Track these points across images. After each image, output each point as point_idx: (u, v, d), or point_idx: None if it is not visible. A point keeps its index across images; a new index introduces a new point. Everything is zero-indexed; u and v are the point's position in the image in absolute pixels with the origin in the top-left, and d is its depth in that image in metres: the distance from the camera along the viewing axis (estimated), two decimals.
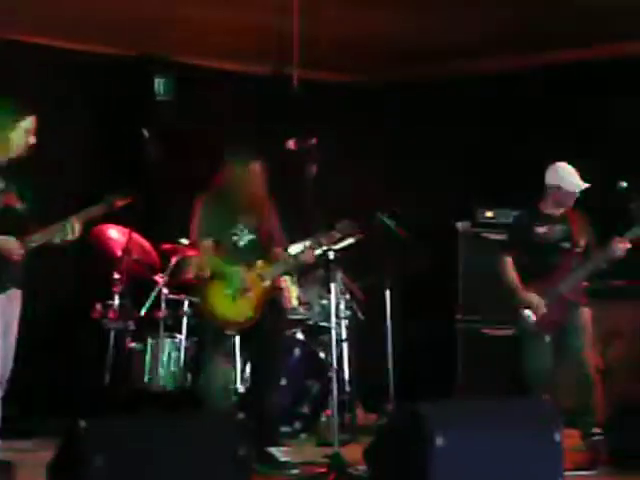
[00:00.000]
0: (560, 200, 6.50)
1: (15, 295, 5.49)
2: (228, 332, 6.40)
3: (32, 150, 5.47)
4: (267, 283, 6.26)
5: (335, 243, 6.29)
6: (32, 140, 5.45)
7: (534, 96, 8.20)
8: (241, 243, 6.34)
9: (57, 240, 5.45)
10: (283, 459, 6.03)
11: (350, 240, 6.87)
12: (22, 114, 5.44)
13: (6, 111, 5.44)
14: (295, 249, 6.50)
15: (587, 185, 6.43)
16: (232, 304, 6.22)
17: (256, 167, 6.30)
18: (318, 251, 6.25)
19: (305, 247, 6.30)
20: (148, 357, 7.20)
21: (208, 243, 6.31)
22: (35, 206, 5.49)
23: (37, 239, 5.41)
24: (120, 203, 5.61)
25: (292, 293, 7.31)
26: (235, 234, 6.32)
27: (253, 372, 6.60)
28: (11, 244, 5.33)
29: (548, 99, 8.15)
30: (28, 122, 5.44)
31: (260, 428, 5.92)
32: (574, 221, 6.51)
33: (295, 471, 5.93)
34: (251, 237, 6.35)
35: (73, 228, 5.41)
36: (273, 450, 6.05)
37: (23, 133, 5.43)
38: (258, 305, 6.23)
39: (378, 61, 8.61)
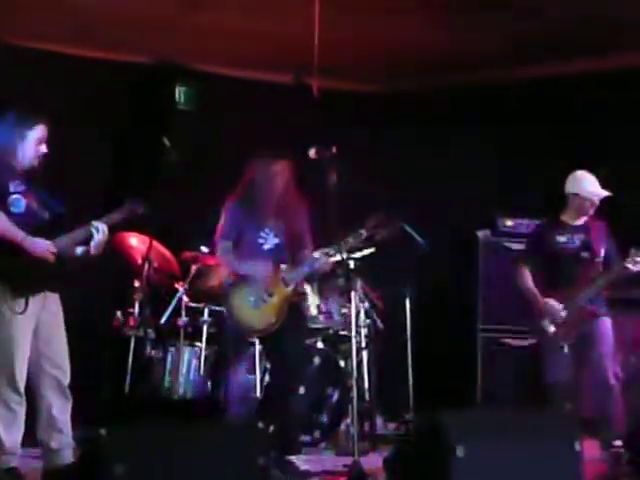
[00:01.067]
0: (580, 209, 6.49)
1: (53, 300, 5.50)
2: (251, 338, 6.41)
3: (44, 159, 5.49)
4: (290, 288, 6.24)
5: (362, 242, 6.29)
6: (43, 149, 5.47)
7: (557, 105, 8.18)
8: (266, 247, 6.31)
9: (80, 249, 5.48)
10: (303, 468, 6.03)
11: (370, 249, 6.83)
12: (31, 124, 5.47)
13: (16, 123, 5.46)
14: (316, 255, 6.41)
15: (607, 193, 6.41)
16: (255, 310, 6.21)
17: (283, 167, 6.28)
18: (337, 257, 6.21)
19: (323, 254, 6.26)
20: (168, 365, 7.21)
21: (228, 244, 6.31)
22: (58, 213, 5.53)
23: (63, 242, 5.44)
24: (140, 210, 5.63)
25: (312, 302, 7.30)
26: (261, 237, 6.30)
27: (274, 377, 6.57)
28: (44, 245, 5.36)
29: (571, 108, 8.12)
30: (37, 131, 5.46)
31: (280, 437, 5.92)
32: (594, 230, 6.49)
33: (315, 479, 5.92)
34: (277, 241, 6.32)
35: (98, 228, 5.44)
36: (293, 458, 6.04)
37: (33, 143, 5.45)
38: (281, 310, 6.21)
39: (397, 70, 8.60)
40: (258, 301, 6.22)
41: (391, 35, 7.57)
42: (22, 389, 5.36)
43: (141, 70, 8.15)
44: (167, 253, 7.38)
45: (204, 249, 7.39)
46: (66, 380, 5.52)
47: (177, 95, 8.10)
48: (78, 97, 7.67)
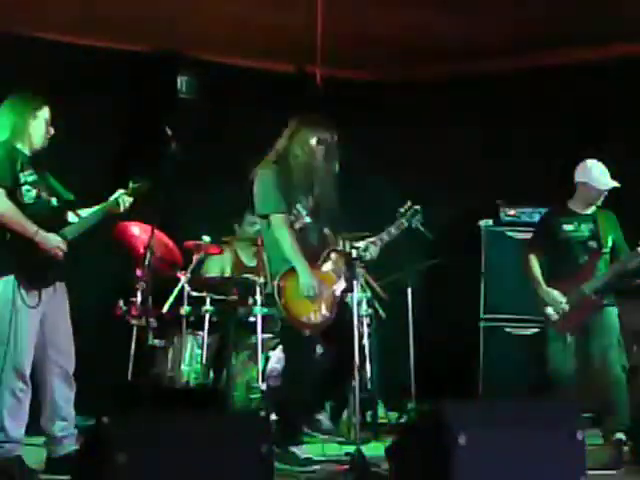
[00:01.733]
0: (588, 198, 6.46)
1: (59, 288, 5.53)
2: (306, 334, 5.89)
3: (51, 144, 5.51)
4: (342, 279, 5.98)
5: (403, 231, 6.06)
6: (51, 131, 5.50)
7: (561, 93, 8.17)
8: (297, 226, 5.91)
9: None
10: (304, 456, 6.02)
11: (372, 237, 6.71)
12: (40, 104, 5.48)
13: (25, 102, 5.48)
14: (361, 245, 6.03)
15: (616, 184, 6.39)
16: (311, 304, 5.85)
17: (322, 138, 5.92)
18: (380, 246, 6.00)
19: (369, 243, 6.00)
20: (170, 354, 7.22)
21: (281, 217, 5.82)
22: (67, 200, 5.54)
23: (72, 232, 5.46)
24: (143, 188, 5.66)
25: None
26: (293, 214, 5.88)
27: (334, 373, 6.14)
28: (55, 241, 5.37)
29: (575, 96, 8.11)
30: (46, 112, 5.49)
31: (283, 426, 5.91)
32: (602, 220, 6.46)
33: (316, 467, 5.92)
34: (308, 220, 5.96)
35: (121, 200, 5.55)
36: (294, 449, 6.03)
37: (43, 122, 5.46)
38: (334, 303, 5.95)
39: (402, 59, 8.59)
40: (314, 295, 5.85)
41: (394, 23, 7.56)
42: (28, 378, 5.37)
43: (143, 59, 8.14)
44: (169, 242, 7.37)
45: (206, 238, 7.39)
46: (71, 368, 5.55)
47: (179, 84, 8.09)
48: (80, 86, 7.66)
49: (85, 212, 5.66)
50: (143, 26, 7.64)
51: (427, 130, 8.69)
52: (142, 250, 7.09)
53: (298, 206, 5.91)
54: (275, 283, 5.86)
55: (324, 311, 5.92)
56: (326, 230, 6.08)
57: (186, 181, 7.40)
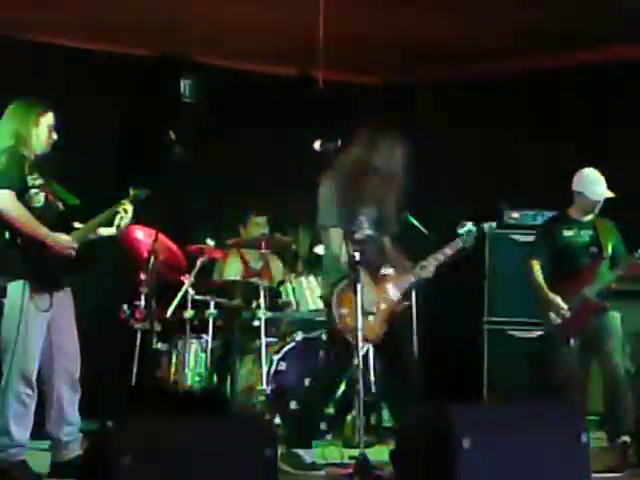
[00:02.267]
0: (584, 206, 6.50)
1: (66, 293, 5.55)
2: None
3: (53, 149, 5.53)
4: (397, 296, 5.94)
5: (458, 252, 6.02)
6: (54, 136, 5.51)
7: (564, 97, 8.17)
8: (357, 237, 5.72)
9: (111, 231, 5.53)
10: (310, 460, 6.02)
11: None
12: (43, 110, 5.49)
13: (29, 107, 5.49)
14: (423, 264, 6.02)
15: (610, 195, 6.41)
16: (365, 318, 5.66)
17: (396, 146, 5.88)
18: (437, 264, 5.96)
19: (427, 262, 5.97)
20: (174, 358, 7.22)
21: (338, 231, 5.71)
22: (72, 204, 5.56)
23: (82, 234, 5.47)
24: (143, 195, 5.67)
25: (316, 294, 7.30)
26: (354, 224, 5.74)
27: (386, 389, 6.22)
28: (66, 241, 5.38)
29: (579, 100, 8.11)
30: (49, 118, 5.50)
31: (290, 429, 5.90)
32: (602, 227, 6.49)
33: (322, 472, 5.93)
34: (368, 232, 5.83)
35: (125, 209, 5.51)
36: (300, 451, 6.03)
37: (46, 128, 5.48)
38: (388, 319, 5.88)
39: (404, 62, 8.60)
40: (369, 309, 5.74)
41: (397, 26, 7.56)
42: (34, 382, 5.38)
43: (146, 63, 8.16)
44: (173, 246, 7.38)
45: (210, 242, 7.40)
46: (77, 372, 5.55)
47: (182, 88, 8.11)
48: (83, 90, 7.67)
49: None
50: (146, 30, 7.65)
51: (429, 132, 8.68)
52: (146, 254, 7.10)
53: (361, 217, 5.80)
54: (334, 294, 5.76)
55: (378, 326, 5.85)
56: (387, 242, 6.04)
57: (189, 184, 7.42)
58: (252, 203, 7.88)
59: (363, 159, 5.82)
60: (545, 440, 4.64)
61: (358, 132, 5.91)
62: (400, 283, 5.98)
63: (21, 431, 5.35)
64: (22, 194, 5.33)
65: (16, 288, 5.32)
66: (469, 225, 6.16)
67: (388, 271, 5.94)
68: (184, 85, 8.15)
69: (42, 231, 5.32)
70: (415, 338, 7.50)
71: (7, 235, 5.30)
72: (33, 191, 5.37)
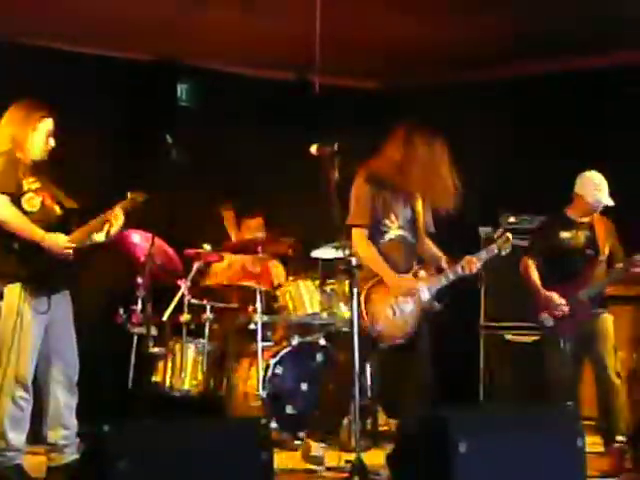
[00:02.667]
0: (585, 209, 6.51)
1: (64, 296, 5.56)
2: (384, 346, 5.92)
3: (52, 153, 5.53)
4: (428, 297, 5.94)
5: (492, 257, 6.03)
6: (52, 142, 5.51)
7: (562, 101, 8.18)
8: (387, 237, 5.84)
9: (100, 237, 5.52)
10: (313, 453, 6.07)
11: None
12: (42, 116, 5.49)
13: (28, 112, 5.49)
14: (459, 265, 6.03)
15: (610, 202, 6.42)
16: (395, 318, 5.82)
17: (441, 145, 5.87)
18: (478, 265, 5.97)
19: (463, 265, 5.97)
20: (170, 362, 7.22)
21: (364, 232, 5.74)
22: (70, 208, 5.56)
23: (79, 238, 5.46)
24: (140, 199, 5.67)
25: (315, 298, 7.30)
26: (384, 224, 5.81)
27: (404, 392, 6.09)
28: (62, 242, 5.38)
29: (577, 104, 8.12)
30: (48, 124, 5.50)
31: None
32: (599, 229, 6.50)
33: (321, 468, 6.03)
34: (400, 232, 5.89)
35: (116, 215, 5.49)
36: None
37: (44, 135, 5.47)
38: (417, 320, 5.91)
39: (401, 66, 8.61)
40: (398, 308, 5.85)
41: (395, 30, 7.56)
42: (30, 386, 5.37)
43: (143, 68, 8.16)
44: (170, 250, 7.38)
45: (207, 246, 7.40)
46: (75, 377, 5.56)
47: (179, 92, 8.11)
48: (79, 95, 7.67)
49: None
50: (143, 35, 7.65)
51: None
52: (142, 258, 7.11)
53: (392, 217, 5.82)
54: (364, 290, 5.71)
55: (407, 326, 5.88)
56: (425, 242, 6.05)
57: (186, 188, 7.41)
58: (249, 207, 7.89)
59: (399, 159, 5.79)
60: (541, 444, 4.64)
61: (394, 131, 5.90)
62: (431, 284, 5.97)
63: (17, 435, 5.35)
64: (18, 198, 5.34)
65: (13, 291, 5.32)
66: (508, 234, 6.12)
67: (420, 272, 5.93)
68: (181, 89, 8.15)
69: (38, 234, 5.32)
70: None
71: (3, 239, 5.30)
72: (29, 195, 5.37)
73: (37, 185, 5.42)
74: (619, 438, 6.18)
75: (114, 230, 5.55)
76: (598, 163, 6.56)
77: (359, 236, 5.76)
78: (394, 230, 5.84)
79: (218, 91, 8.21)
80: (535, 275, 6.49)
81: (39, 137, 5.48)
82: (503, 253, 6.08)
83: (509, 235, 6.09)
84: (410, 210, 5.92)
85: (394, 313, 5.81)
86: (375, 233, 5.79)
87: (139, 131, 8.04)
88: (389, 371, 6.58)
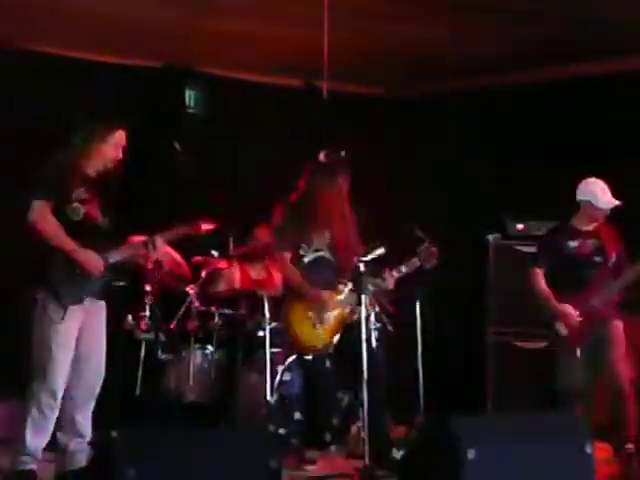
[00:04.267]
0: (591, 215, 6.50)
1: (96, 308, 5.56)
2: (305, 355, 6.46)
3: (119, 165, 5.59)
4: (348, 309, 6.29)
5: (414, 270, 6.38)
6: (120, 155, 5.55)
7: (567, 109, 8.17)
8: (306, 260, 6.34)
9: (136, 258, 5.58)
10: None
11: (380, 251, 6.82)
12: (112, 128, 5.55)
13: (99, 125, 5.56)
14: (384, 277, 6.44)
15: (617, 203, 6.41)
16: (313, 328, 6.29)
17: (344, 180, 6.25)
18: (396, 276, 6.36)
19: (388, 276, 6.37)
20: (179, 368, 7.22)
21: (287, 255, 6.31)
22: (114, 221, 5.60)
23: (115, 255, 5.49)
24: (206, 227, 5.72)
25: None
26: (302, 248, 6.32)
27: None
28: (94, 259, 5.40)
29: (581, 112, 8.11)
30: (117, 136, 5.54)
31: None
32: (606, 236, 6.50)
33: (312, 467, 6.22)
34: (318, 255, 6.35)
35: (155, 245, 5.50)
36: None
37: (112, 146, 5.51)
38: (337, 330, 6.31)
39: (408, 74, 8.62)
40: (317, 319, 6.28)
41: (402, 37, 7.57)
42: (58, 395, 5.38)
43: (151, 74, 8.17)
44: (178, 257, 7.38)
45: (214, 253, 7.40)
46: (97, 388, 5.58)
47: (187, 99, 8.12)
48: (88, 101, 7.69)
49: None
50: (151, 42, 7.66)
51: (433, 144, 8.70)
52: (151, 265, 7.11)
53: (307, 241, 6.31)
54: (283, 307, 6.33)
55: (324, 337, 6.29)
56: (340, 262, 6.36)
57: (194, 195, 7.42)
58: (256, 214, 7.89)
59: (310, 193, 6.26)
60: (550, 451, 4.64)
61: (310, 167, 6.33)
62: (349, 298, 6.31)
63: (36, 442, 5.35)
64: (62, 207, 5.38)
65: (41, 298, 5.36)
66: (426, 245, 6.43)
67: (340, 286, 6.31)
68: (189, 96, 8.16)
69: (70, 246, 5.35)
70: (419, 347, 7.51)
71: (39, 246, 5.37)
72: (74, 205, 5.41)
73: (86, 196, 5.45)
74: (629, 445, 6.16)
75: (153, 255, 5.67)
76: (602, 170, 6.55)
77: (280, 259, 6.35)
78: (310, 253, 6.33)
79: (226, 98, 8.22)
80: (544, 285, 6.47)
81: (107, 149, 5.56)
82: (427, 266, 6.45)
83: (434, 249, 6.39)
84: (328, 234, 6.33)
85: (314, 325, 6.24)
86: (295, 256, 6.30)
87: (147, 138, 8.05)
88: None
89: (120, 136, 5.59)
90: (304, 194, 6.29)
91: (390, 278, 6.34)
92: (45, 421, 5.36)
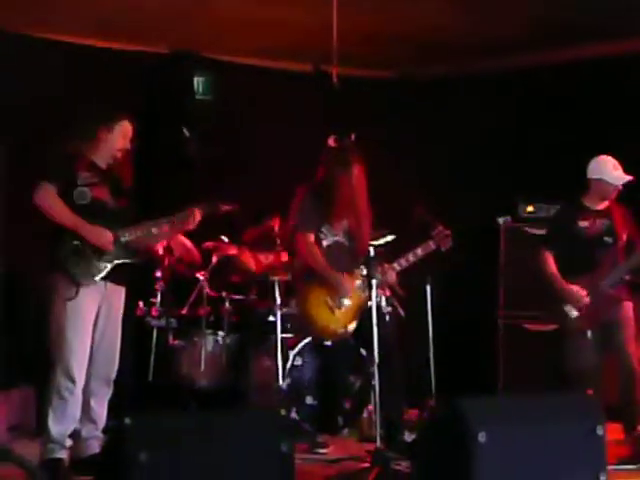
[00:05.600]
0: (602, 193, 6.46)
1: (115, 293, 5.59)
2: (322, 341, 6.47)
3: (128, 156, 5.62)
4: (365, 295, 6.24)
5: (428, 254, 6.36)
6: (127, 144, 5.57)
7: (577, 90, 8.14)
8: (324, 243, 6.33)
9: (152, 237, 5.61)
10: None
11: (391, 236, 6.86)
12: (119, 118, 5.57)
13: (106, 114, 5.59)
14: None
15: (630, 178, 6.39)
16: (331, 313, 6.26)
17: (355, 171, 6.24)
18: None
19: (396, 265, 6.36)
20: (190, 354, 7.24)
21: (311, 236, 6.29)
22: (126, 205, 5.62)
23: (128, 234, 5.52)
24: (226, 208, 5.74)
25: None
26: (322, 232, 6.31)
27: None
28: (103, 232, 5.43)
29: (591, 93, 8.08)
30: (123, 127, 5.57)
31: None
32: (617, 215, 6.46)
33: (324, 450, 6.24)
34: (336, 239, 6.34)
35: (194, 217, 5.60)
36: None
37: (120, 136, 5.53)
38: (355, 316, 6.29)
39: (418, 57, 8.59)
40: (335, 304, 6.26)
41: (411, 20, 7.54)
42: (77, 377, 5.39)
43: (159, 60, 8.17)
44: (188, 243, 7.40)
45: (225, 239, 7.42)
46: (113, 374, 5.59)
47: (195, 85, 8.11)
48: (95, 87, 7.69)
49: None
50: (159, 27, 7.65)
51: (444, 127, 8.69)
52: (161, 251, 7.13)
53: (327, 226, 6.31)
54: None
55: (343, 322, 6.27)
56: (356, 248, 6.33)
57: (204, 181, 7.43)
58: (267, 200, 7.89)
59: (328, 178, 6.25)
60: (561, 433, 4.64)
61: (326, 153, 6.34)
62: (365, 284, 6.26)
63: (60, 428, 5.36)
64: (69, 190, 5.41)
65: (55, 280, 5.40)
66: (440, 227, 6.43)
67: (357, 271, 6.29)
68: (198, 82, 8.16)
69: (75, 221, 5.37)
70: (431, 332, 7.53)
71: (51, 229, 5.42)
72: (80, 189, 5.44)
73: (94, 180, 5.46)
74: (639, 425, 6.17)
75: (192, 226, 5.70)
76: (615, 150, 6.53)
77: (303, 240, 6.25)
78: (330, 236, 6.32)
79: (235, 83, 8.21)
80: (553, 267, 6.44)
81: (113, 137, 5.57)
82: (443, 249, 6.42)
83: (447, 232, 6.39)
84: (345, 222, 6.34)
85: (332, 310, 6.21)
86: (316, 239, 6.28)
87: (156, 124, 8.05)
88: None
89: (126, 126, 5.60)
90: (323, 179, 6.29)
91: (391, 271, 6.32)
92: (65, 405, 5.37)
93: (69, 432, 5.43)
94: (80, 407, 5.44)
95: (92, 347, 5.49)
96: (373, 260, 5.90)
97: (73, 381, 5.37)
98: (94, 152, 5.56)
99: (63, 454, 5.41)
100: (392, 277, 6.36)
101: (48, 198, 5.37)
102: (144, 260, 5.85)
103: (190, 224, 5.68)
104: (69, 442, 5.47)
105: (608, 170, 6.40)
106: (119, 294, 5.62)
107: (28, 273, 6.77)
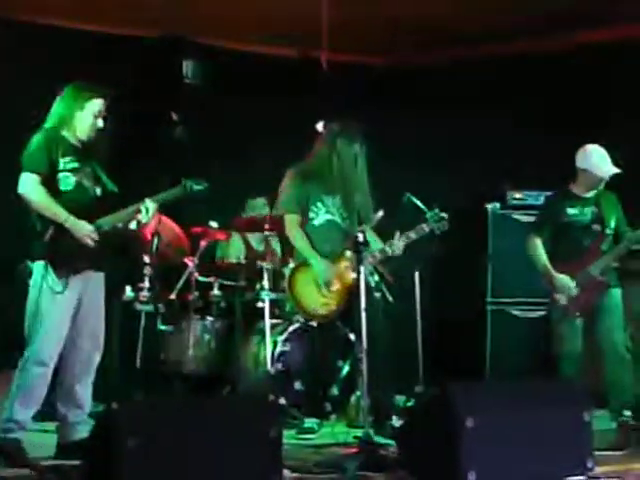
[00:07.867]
0: (589, 183, 6.47)
1: (94, 279, 5.56)
2: (310, 322, 6.48)
3: (100, 134, 5.55)
4: (354, 275, 6.11)
5: (422, 235, 6.31)
6: (100, 123, 5.52)
7: (565, 77, 8.15)
8: (316, 222, 6.34)
9: (131, 224, 5.55)
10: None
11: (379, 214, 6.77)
12: (91, 96, 5.52)
13: (76, 93, 5.52)
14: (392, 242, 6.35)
15: (616, 170, 6.40)
16: (319, 295, 6.28)
17: (355, 149, 6.23)
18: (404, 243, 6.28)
19: (395, 240, 6.29)
20: (179, 339, 7.24)
21: (295, 217, 6.32)
22: (110, 190, 5.57)
23: (108, 222, 5.48)
24: (197, 187, 5.70)
25: None
26: (312, 210, 6.32)
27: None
28: (85, 229, 5.40)
29: (580, 80, 8.09)
30: (96, 104, 5.52)
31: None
32: (604, 202, 6.48)
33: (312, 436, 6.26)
34: (328, 217, 6.35)
35: (147, 210, 5.49)
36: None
37: (91, 115, 5.50)
38: (344, 297, 6.29)
39: (408, 43, 8.58)
40: (323, 285, 6.27)
41: (401, 6, 7.52)
42: (48, 363, 5.36)
43: (148, 44, 8.14)
44: (176, 228, 7.39)
45: (213, 224, 7.41)
46: (96, 360, 5.57)
47: (184, 69, 8.09)
48: (84, 72, 7.64)
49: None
50: (147, 11, 7.63)
51: (433, 114, 8.67)
52: (149, 236, 7.12)
53: (318, 204, 6.31)
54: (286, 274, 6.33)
55: (333, 304, 6.28)
56: (350, 227, 6.31)
57: (191, 166, 7.41)
58: (254, 184, 7.89)
59: (327, 158, 6.23)
60: (548, 419, 4.66)
61: (326, 131, 6.31)
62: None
63: (23, 410, 5.34)
64: (51, 177, 5.37)
65: (37, 269, 5.36)
66: (436, 210, 6.38)
67: (346, 252, 6.25)
68: (186, 66, 8.13)
69: (60, 216, 5.34)
70: (419, 318, 7.53)
71: (32, 218, 5.37)
72: (63, 175, 5.40)
73: (74, 165, 5.44)
74: (626, 412, 6.19)
75: (144, 221, 5.57)
76: (602, 137, 6.53)
77: (287, 220, 6.31)
78: (322, 215, 6.32)
79: (223, 68, 8.19)
80: (543, 255, 6.46)
81: (86, 116, 5.50)
82: (437, 232, 6.38)
83: (443, 215, 6.35)
84: (340, 198, 6.32)
85: (319, 290, 6.25)
86: (306, 218, 6.31)
87: (144, 108, 8.03)
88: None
89: (97, 104, 5.54)
90: (318, 157, 6.28)
91: (399, 243, 6.26)
92: (33, 391, 5.36)
93: (32, 414, 5.42)
94: (46, 391, 5.42)
95: (75, 333, 5.47)
96: (361, 245, 5.87)
97: (43, 364, 5.36)
98: (67, 132, 5.51)
99: (20, 435, 5.39)
100: (399, 249, 6.28)
101: (33, 190, 5.32)
102: (127, 247, 5.81)
103: (144, 217, 5.54)
104: (30, 424, 5.45)
105: (594, 162, 6.41)
106: (99, 280, 5.60)
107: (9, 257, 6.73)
